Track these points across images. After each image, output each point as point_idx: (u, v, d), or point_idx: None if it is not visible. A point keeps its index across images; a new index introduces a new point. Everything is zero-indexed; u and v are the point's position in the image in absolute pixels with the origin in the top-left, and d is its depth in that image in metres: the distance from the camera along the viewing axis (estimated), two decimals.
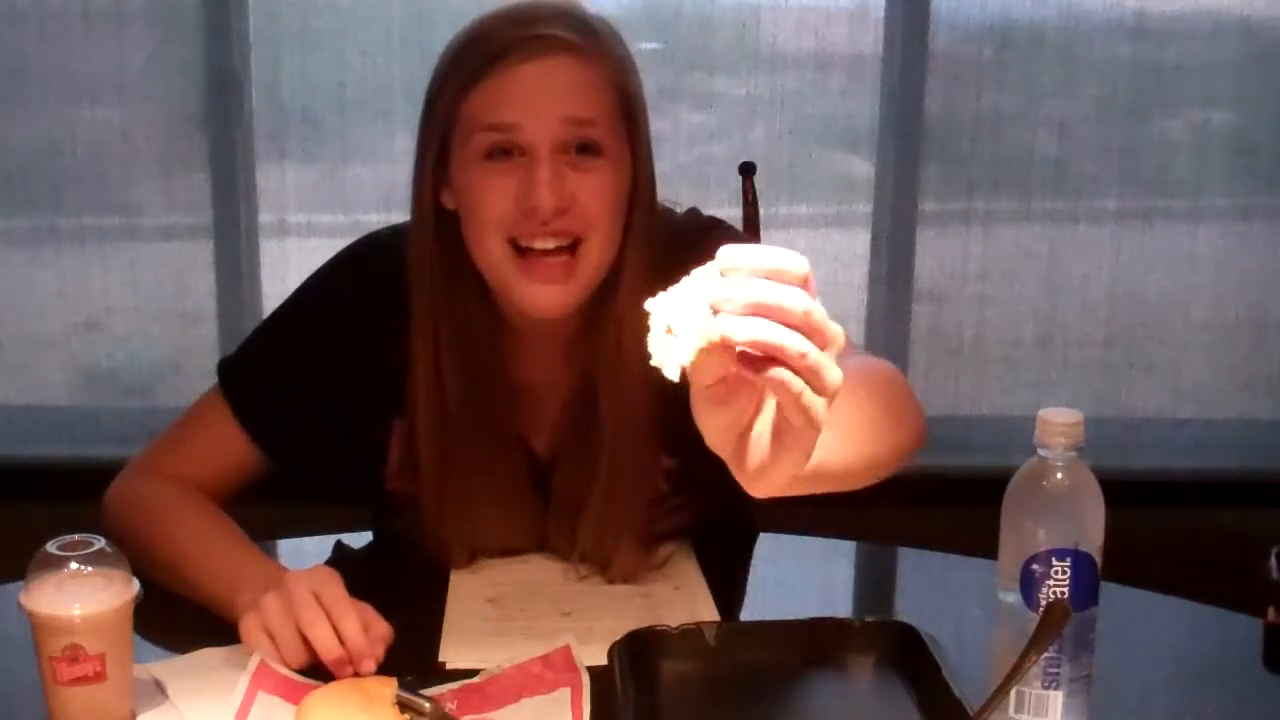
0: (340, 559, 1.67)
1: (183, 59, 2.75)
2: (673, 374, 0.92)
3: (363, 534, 1.74)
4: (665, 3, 2.73)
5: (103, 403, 2.90)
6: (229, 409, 1.64)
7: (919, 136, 2.80)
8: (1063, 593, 1.21)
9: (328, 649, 1.32)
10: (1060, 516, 1.21)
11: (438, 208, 1.54)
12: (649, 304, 0.93)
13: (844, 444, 1.14)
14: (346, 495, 1.73)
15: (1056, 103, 2.82)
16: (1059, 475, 1.21)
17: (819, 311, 0.93)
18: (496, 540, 1.64)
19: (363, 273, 1.64)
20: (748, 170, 2.01)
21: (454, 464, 1.58)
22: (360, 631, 1.34)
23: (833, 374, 0.94)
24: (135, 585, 1.26)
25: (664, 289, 0.95)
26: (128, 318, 2.86)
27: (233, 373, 1.67)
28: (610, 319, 1.52)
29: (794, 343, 0.92)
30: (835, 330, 0.95)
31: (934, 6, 2.74)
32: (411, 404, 1.58)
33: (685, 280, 0.94)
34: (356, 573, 1.44)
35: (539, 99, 1.47)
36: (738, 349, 0.92)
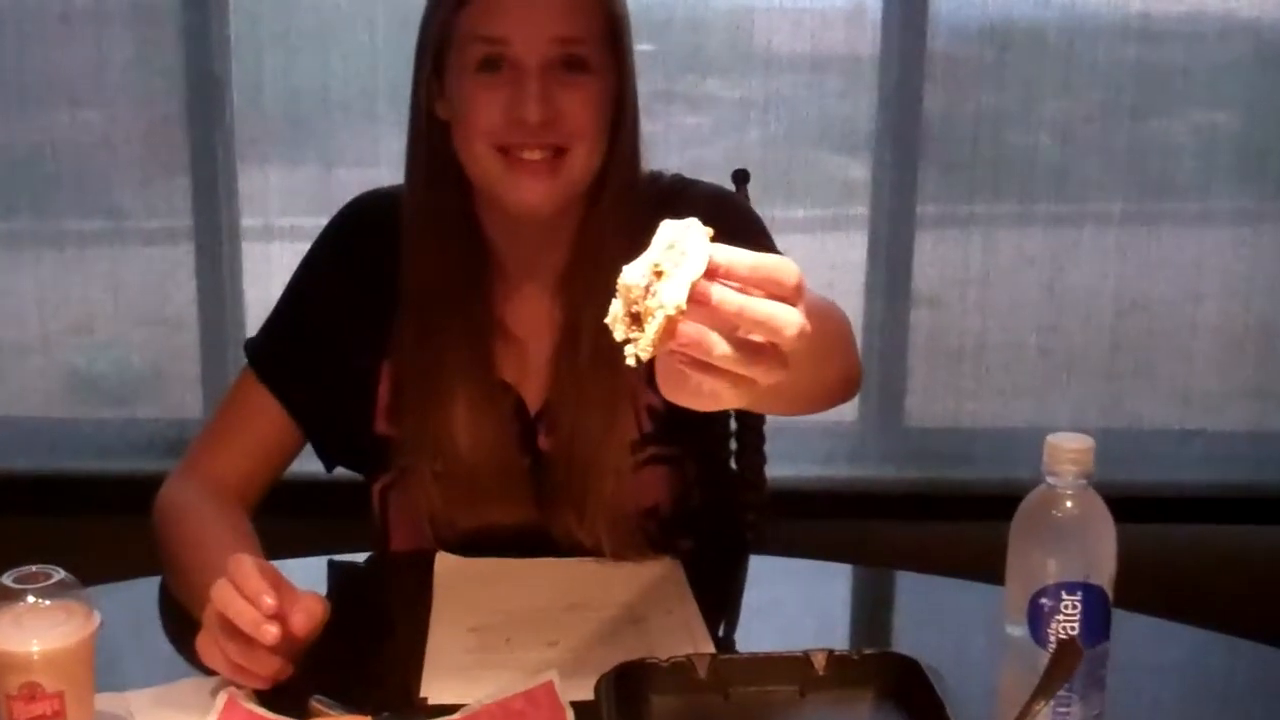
0: (334, 580, 1.68)
1: (163, 62, 2.71)
2: (632, 362, 0.96)
3: (356, 555, 1.75)
4: (658, 5, 2.69)
5: (81, 413, 2.86)
6: (256, 378, 1.69)
7: (917, 139, 2.76)
8: (1073, 629, 1.17)
9: (238, 614, 1.29)
10: (1070, 548, 1.17)
11: (431, 117, 1.62)
12: (622, 274, 0.95)
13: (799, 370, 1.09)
14: (341, 461, 1.77)
15: (1058, 105, 2.78)
16: (1068, 504, 1.18)
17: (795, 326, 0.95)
18: (479, 490, 1.66)
19: (359, 222, 1.73)
20: (742, 178, 1.97)
21: (438, 401, 1.64)
22: (252, 572, 1.30)
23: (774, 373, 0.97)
24: (96, 618, 1.22)
25: (646, 240, 0.97)
26: (108, 324, 2.81)
27: (256, 344, 1.74)
28: (593, 240, 1.61)
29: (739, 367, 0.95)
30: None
31: (932, 7, 2.70)
32: (397, 338, 1.66)
33: (655, 242, 0.96)
34: (342, 602, 1.42)
35: (531, 16, 1.55)
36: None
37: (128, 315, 2.81)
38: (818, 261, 2.78)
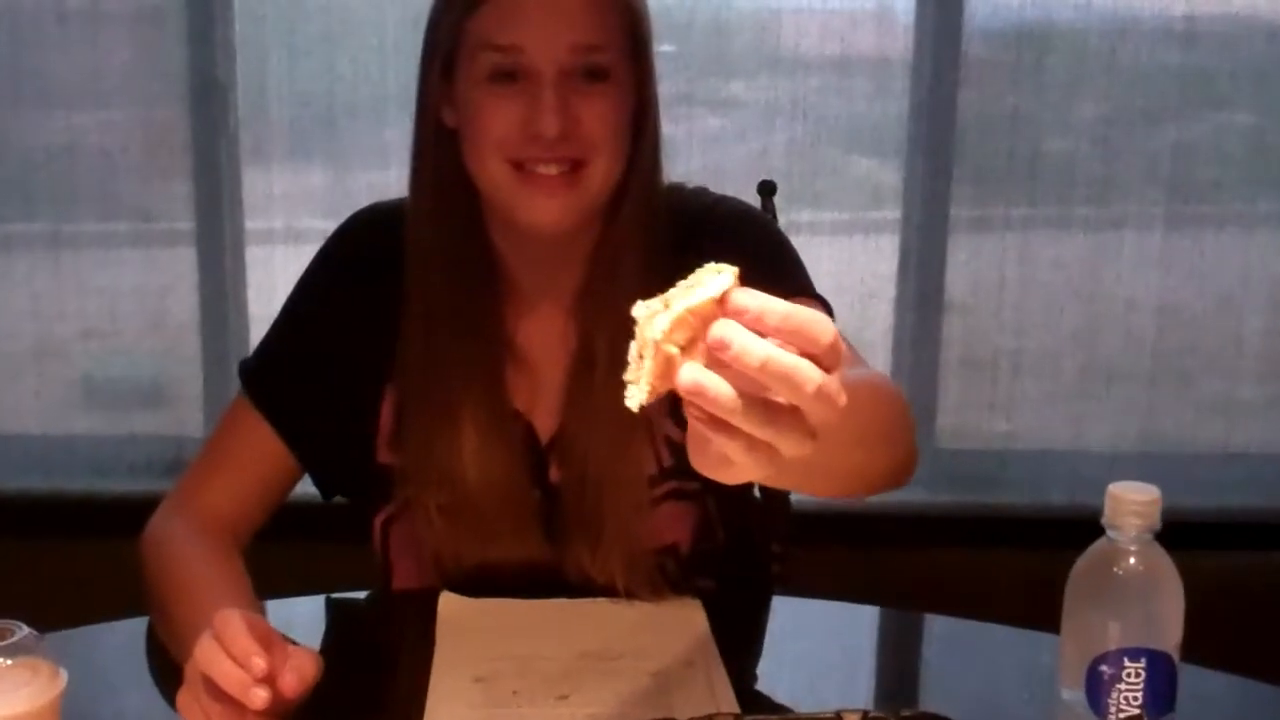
0: (331, 621, 1.63)
1: (165, 66, 2.68)
2: (632, 405, 0.87)
3: (356, 593, 1.68)
4: (679, 6, 2.66)
5: (78, 429, 2.80)
6: (250, 404, 1.62)
7: (950, 143, 2.71)
8: (1136, 699, 1.08)
9: (223, 676, 1.20)
10: (1134, 611, 1.08)
11: (438, 125, 1.54)
12: (635, 308, 0.86)
13: (836, 447, 0.98)
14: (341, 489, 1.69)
15: (1097, 109, 2.72)
16: (1132, 561, 1.08)
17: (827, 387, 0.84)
18: (486, 524, 1.58)
19: (359, 238, 1.65)
20: (767, 190, 1.89)
21: (444, 429, 1.56)
22: (240, 631, 1.21)
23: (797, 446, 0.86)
24: (63, 678, 1.14)
25: (667, 259, 0.93)
26: (107, 335, 2.76)
27: (250, 368, 1.66)
28: (610, 258, 1.54)
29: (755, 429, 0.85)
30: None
31: (967, 10, 2.66)
32: (401, 362, 1.58)
33: (679, 288, 0.86)
34: (339, 647, 1.41)
35: (547, 23, 1.47)
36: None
37: (128, 325, 2.77)
38: (846, 269, 2.73)
